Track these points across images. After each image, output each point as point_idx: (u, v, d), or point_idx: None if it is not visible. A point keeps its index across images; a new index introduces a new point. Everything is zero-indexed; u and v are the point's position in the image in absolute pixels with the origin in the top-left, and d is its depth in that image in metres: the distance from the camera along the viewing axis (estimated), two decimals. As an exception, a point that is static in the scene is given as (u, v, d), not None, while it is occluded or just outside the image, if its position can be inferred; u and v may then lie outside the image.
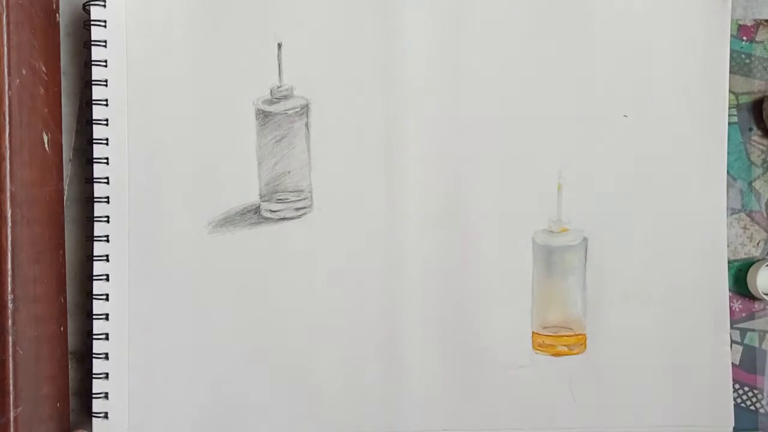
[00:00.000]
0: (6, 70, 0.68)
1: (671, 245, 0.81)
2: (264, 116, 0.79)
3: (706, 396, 0.79)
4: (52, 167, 0.77)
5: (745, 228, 0.84)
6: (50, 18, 0.78)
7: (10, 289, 0.68)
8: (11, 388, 0.68)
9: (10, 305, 0.68)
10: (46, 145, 0.75)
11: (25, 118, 0.71)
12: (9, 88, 0.69)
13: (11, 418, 0.68)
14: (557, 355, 0.81)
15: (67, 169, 0.80)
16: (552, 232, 0.81)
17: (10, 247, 0.68)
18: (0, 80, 0.68)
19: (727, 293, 0.82)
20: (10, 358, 0.68)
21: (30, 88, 0.73)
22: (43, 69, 0.75)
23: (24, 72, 0.71)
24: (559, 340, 0.81)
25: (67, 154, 0.80)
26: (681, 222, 0.82)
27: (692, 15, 0.82)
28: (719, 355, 0.82)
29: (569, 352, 0.81)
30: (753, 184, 0.85)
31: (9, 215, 0.68)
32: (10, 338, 0.68)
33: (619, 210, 0.82)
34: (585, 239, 0.81)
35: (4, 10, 0.68)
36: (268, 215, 0.80)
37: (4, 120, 0.68)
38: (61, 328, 0.78)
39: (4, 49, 0.68)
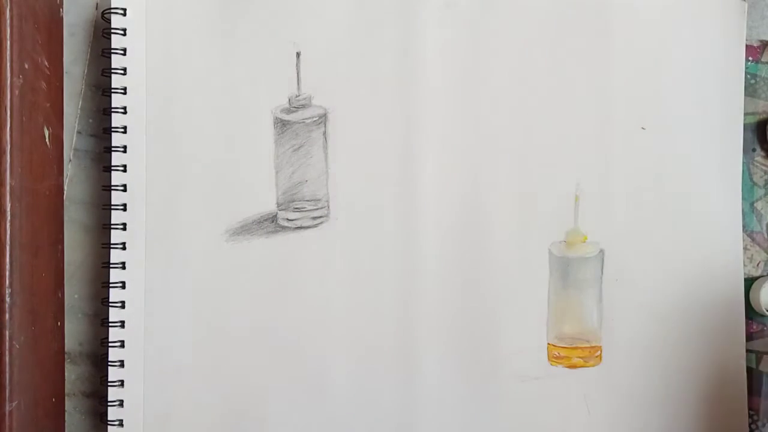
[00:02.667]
0: (8, 63, 0.58)
1: (688, 258, 0.69)
2: (282, 125, 0.67)
3: (721, 408, 0.67)
4: (53, 162, 0.66)
5: (745, 248, 0.71)
6: (54, 13, 0.67)
7: (8, 282, 0.59)
8: (7, 381, 0.59)
9: (7, 299, 0.58)
10: (46, 140, 0.64)
11: (26, 113, 0.61)
12: (11, 82, 0.59)
13: (6, 412, 0.58)
14: (573, 367, 0.69)
15: (67, 169, 0.69)
16: (569, 243, 0.69)
17: (8, 241, 0.58)
18: (2, 74, 0.58)
19: (743, 306, 0.70)
20: (7, 352, 0.58)
21: (32, 82, 0.62)
22: (46, 63, 0.64)
23: (26, 66, 0.61)
24: (575, 352, 0.69)
25: (67, 153, 0.69)
26: (698, 235, 0.70)
27: (709, 30, 0.70)
28: (735, 368, 0.70)
29: (585, 364, 0.69)
30: (755, 204, 0.72)
31: (8, 209, 0.59)
32: (7, 332, 0.58)
33: (636, 222, 0.69)
34: (602, 251, 0.69)
35: (8, 3, 0.58)
36: (285, 224, 0.67)
37: (6, 114, 0.58)
38: (58, 323, 0.67)
39: (6, 42, 0.58)
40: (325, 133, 0.67)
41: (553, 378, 0.68)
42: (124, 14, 0.66)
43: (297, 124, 0.67)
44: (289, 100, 0.67)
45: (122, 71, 0.66)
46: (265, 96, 0.67)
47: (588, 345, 0.68)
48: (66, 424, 0.68)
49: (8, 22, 0.58)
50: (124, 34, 0.66)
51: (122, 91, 0.66)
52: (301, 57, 0.67)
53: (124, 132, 0.66)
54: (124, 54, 0.66)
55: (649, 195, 0.69)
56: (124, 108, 0.66)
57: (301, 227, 0.67)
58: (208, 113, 0.67)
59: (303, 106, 0.67)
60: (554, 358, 0.68)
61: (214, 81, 0.67)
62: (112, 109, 0.66)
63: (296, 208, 0.67)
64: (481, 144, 0.68)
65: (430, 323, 0.68)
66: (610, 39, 0.69)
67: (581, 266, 0.68)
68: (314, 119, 0.67)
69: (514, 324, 0.68)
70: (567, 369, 0.68)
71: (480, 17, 0.69)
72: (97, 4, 0.68)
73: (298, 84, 0.67)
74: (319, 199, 0.67)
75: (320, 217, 0.67)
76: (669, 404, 0.69)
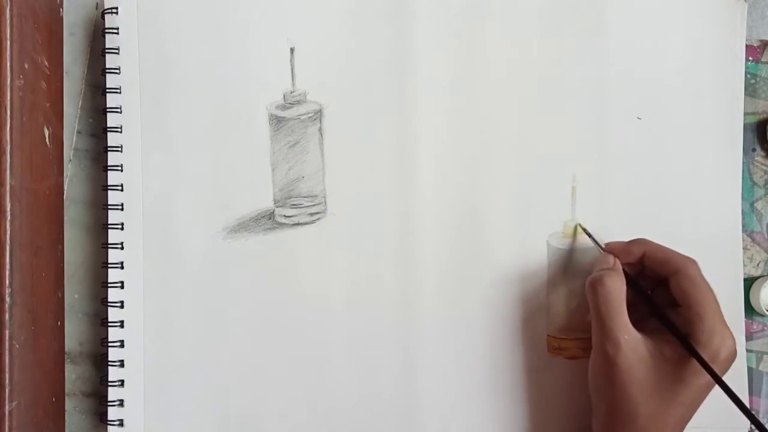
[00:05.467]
0: (8, 63, 0.59)
1: (685, 247, 0.66)
2: (277, 121, 0.68)
3: (720, 397, 0.63)
4: (53, 162, 0.67)
5: (745, 248, 0.72)
6: (54, 12, 0.67)
7: (8, 282, 0.59)
8: (7, 381, 0.59)
9: (7, 299, 0.59)
10: (47, 140, 0.65)
11: (26, 113, 0.61)
12: (11, 82, 0.59)
13: (6, 412, 0.59)
14: (572, 358, 0.69)
15: (67, 169, 0.70)
16: (566, 234, 0.69)
17: (8, 241, 0.59)
18: (2, 74, 0.58)
19: (742, 296, 0.71)
20: (7, 352, 0.59)
21: (32, 82, 0.62)
22: (46, 63, 0.65)
23: (26, 66, 0.61)
24: (574, 344, 0.69)
25: (67, 153, 0.70)
26: (696, 224, 0.70)
27: (709, 30, 0.71)
28: (735, 368, 0.65)
29: (584, 355, 0.69)
30: (755, 204, 0.73)
31: (8, 209, 0.59)
32: (7, 332, 0.59)
33: (633, 213, 0.70)
34: (599, 242, 0.68)
35: (8, 3, 0.59)
36: (283, 221, 0.68)
37: (5, 114, 0.59)
38: (58, 323, 0.67)
39: (6, 42, 0.59)
40: (320, 129, 0.68)
41: (552, 369, 0.69)
42: (116, 13, 0.67)
43: (292, 120, 0.68)
44: (284, 96, 0.68)
45: (117, 70, 0.67)
46: (259, 92, 0.68)
47: (587, 336, 0.67)
48: (66, 424, 0.68)
49: (8, 22, 0.58)
50: (117, 33, 0.67)
51: (117, 90, 0.67)
52: (295, 53, 0.68)
53: (120, 131, 0.67)
54: (118, 53, 0.67)
55: (647, 188, 0.70)
56: (120, 107, 0.67)
57: (298, 224, 0.68)
58: (203, 111, 0.68)
59: (298, 102, 0.68)
60: (554, 350, 0.69)
61: (208, 78, 0.68)
62: (108, 109, 0.67)
63: (293, 205, 0.68)
64: (477, 137, 0.69)
65: (429, 317, 0.68)
66: (605, 28, 0.70)
67: (579, 257, 0.69)
68: (309, 115, 0.68)
69: (513, 316, 0.69)
70: (567, 360, 0.69)
71: (474, 10, 0.69)
72: (96, 4, 0.69)
73: (292, 80, 0.68)
74: (316, 196, 0.68)
75: (317, 213, 0.68)
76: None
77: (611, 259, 0.63)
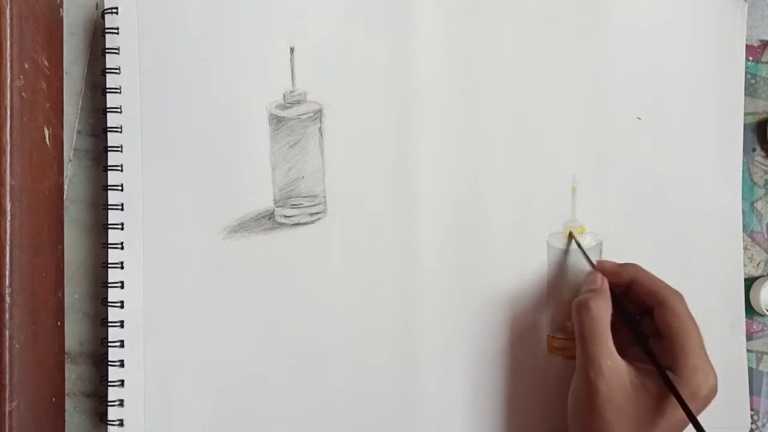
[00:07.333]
0: (8, 63, 0.59)
1: (686, 247, 0.70)
2: (277, 121, 0.68)
3: (722, 397, 0.64)
4: (53, 162, 0.67)
5: (745, 248, 0.72)
6: (54, 12, 0.68)
7: (8, 282, 0.59)
8: (7, 381, 0.59)
9: (7, 299, 0.59)
10: (47, 140, 0.65)
11: (26, 112, 0.61)
12: (11, 82, 0.59)
13: (6, 412, 0.59)
14: (572, 358, 0.68)
15: (68, 169, 0.70)
16: (566, 235, 0.69)
17: (8, 241, 0.59)
18: (2, 74, 0.59)
19: (743, 306, 0.71)
20: (7, 352, 0.59)
21: (32, 82, 0.62)
22: (46, 63, 0.65)
23: (26, 66, 0.61)
24: (575, 344, 0.66)
25: (67, 153, 0.70)
26: (696, 224, 0.71)
27: (709, 30, 0.71)
28: (735, 357, 0.70)
29: (584, 355, 0.70)
30: (755, 204, 0.73)
31: (8, 209, 0.59)
32: (7, 332, 0.59)
33: (633, 212, 0.70)
34: (600, 242, 0.69)
35: (8, 3, 0.59)
36: (283, 221, 0.68)
37: (6, 114, 0.59)
38: (58, 323, 0.67)
39: (6, 42, 0.59)
40: (320, 128, 0.68)
41: (552, 369, 0.69)
42: (117, 13, 0.67)
43: (292, 120, 0.68)
44: (284, 96, 0.68)
45: (117, 70, 0.67)
46: (259, 92, 0.68)
47: (587, 336, 0.69)
48: (66, 424, 0.69)
49: (8, 22, 0.58)
50: (118, 33, 0.67)
51: (117, 90, 0.67)
52: (294, 52, 0.68)
53: (120, 131, 0.67)
54: (118, 53, 0.67)
55: (646, 184, 0.70)
56: (120, 107, 0.67)
57: (298, 224, 0.68)
58: (203, 111, 0.68)
59: (298, 102, 0.68)
60: (554, 350, 0.69)
61: (208, 78, 0.68)
62: (108, 109, 0.67)
63: (293, 205, 0.68)
64: (477, 137, 0.69)
65: (429, 317, 0.68)
66: (606, 28, 0.70)
67: (579, 257, 0.68)
68: (309, 115, 0.68)
69: (513, 316, 0.69)
70: (567, 360, 0.69)
71: (474, 10, 0.69)
72: (96, 4, 0.70)
73: (292, 79, 0.68)
74: (316, 195, 0.68)
75: (317, 213, 0.68)
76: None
77: (599, 278, 0.64)
